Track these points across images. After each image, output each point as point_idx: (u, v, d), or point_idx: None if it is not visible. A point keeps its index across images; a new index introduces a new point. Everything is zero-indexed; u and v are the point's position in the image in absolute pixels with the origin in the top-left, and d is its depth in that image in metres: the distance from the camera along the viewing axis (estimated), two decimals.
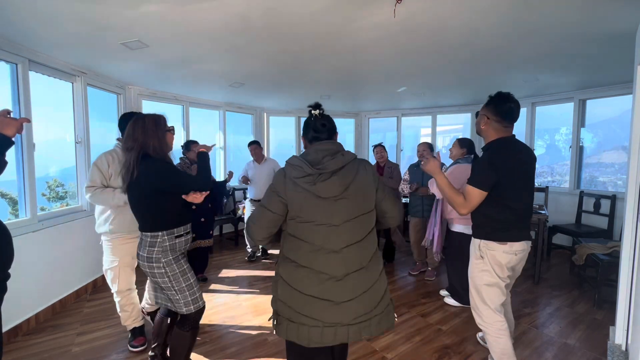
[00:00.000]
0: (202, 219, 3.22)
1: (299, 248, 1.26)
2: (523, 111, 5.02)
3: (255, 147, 4.16)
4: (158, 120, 1.73)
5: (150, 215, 1.71)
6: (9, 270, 1.46)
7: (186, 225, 1.80)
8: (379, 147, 3.90)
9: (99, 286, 3.36)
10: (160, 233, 1.69)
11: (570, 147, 4.49)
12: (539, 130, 5.00)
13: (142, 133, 1.67)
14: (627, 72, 3.22)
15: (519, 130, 5.18)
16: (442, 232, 3.05)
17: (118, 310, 2.30)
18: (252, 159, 4.22)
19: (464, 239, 2.30)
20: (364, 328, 1.25)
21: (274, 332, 1.32)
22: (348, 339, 1.24)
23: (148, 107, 4.24)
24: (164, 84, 4.01)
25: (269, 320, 1.39)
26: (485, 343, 2.13)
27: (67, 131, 3.20)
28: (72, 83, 3.16)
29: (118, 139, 2.24)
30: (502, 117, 1.76)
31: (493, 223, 1.75)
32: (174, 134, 1.84)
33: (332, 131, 1.38)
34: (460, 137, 3.01)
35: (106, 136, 3.85)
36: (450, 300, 2.98)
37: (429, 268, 3.64)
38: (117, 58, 2.92)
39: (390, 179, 3.69)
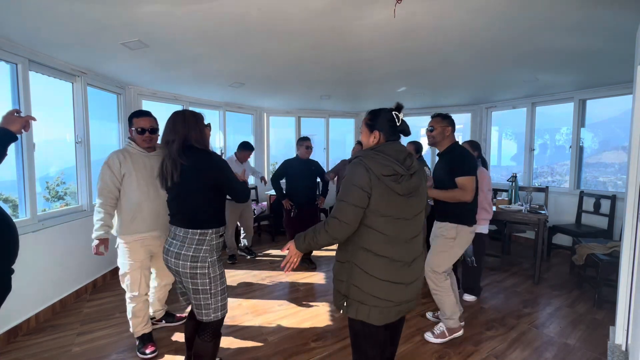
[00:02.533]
0: None
1: (376, 239, 1.37)
2: (523, 111, 5.02)
3: (250, 152, 4.20)
4: (197, 114, 1.73)
5: (203, 211, 1.65)
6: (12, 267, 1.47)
7: (225, 225, 1.77)
8: (357, 144, 4.07)
9: (99, 286, 3.36)
10: (210, 230, 1.65)
11: (570, 147, 4.49)
12: (539, 130, 5.00)
13: (183, 125, 1.64)
14: (627, 72, 3.21)
15: (519, 130, 5.18)
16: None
17: (129, 316, 2.21)
18: (234, 158, 4.16)
19: (479, 239, 2.90)
20: (413, 304, 1.51)
21: (341, 312, 1.45)
22: (405, 313, 1.48)
23: (148, 107, 4.24)
24: (164, 84, 4.01)
25: (341, 303, 1.45)
26: (434, 318, 2.72)
27: (67, 131, 3.20)
28: (72, 83, 3.16)
29: (129, 138, 2.16)
30: (454, 125, 2.38)
31: (466, 212, 2.30)
32: (210, 130, 1.83)
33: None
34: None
35: (106, 136, 3.86)
36: (468, 297, 3.08)
37: None
38: (117, 58, 2.92)
39: None
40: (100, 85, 3.49)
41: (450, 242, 2.32)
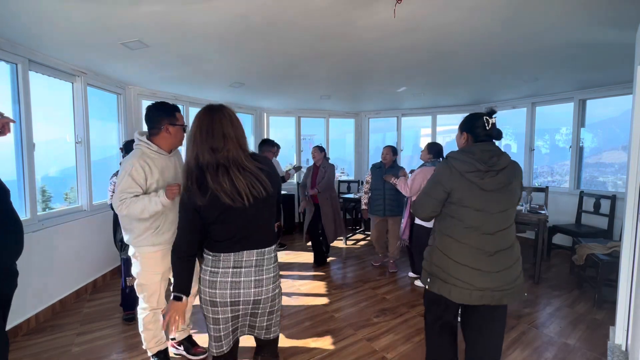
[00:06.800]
0: None
1: (458, 227, 1.55)
2: (523, 111, 5.02)
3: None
4: (233, 114, 1.39)
5: (274, 223, 1.45)
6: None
7: None
8: (315, 148, 4.00)
9: (99, 286, 3.36)
10: (279, 241, 1.57)
11: (570, 147, 4.49)
12: (539, 130, 5.00)
13: (233, 128, 1.31)
14: (627, 72, 3.22)
15: (519, 130, 5.18)
16: (408, 224, 3.47)
17: (140, 329, 2.00)
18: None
19: (426, 231, 2.91)
20: (505, 295, 1.54)
21: (427, 287, 1.66)
22: (492, 302, 1.55)
23: None
24: (164, 84, 4.01)
25: (426, 279, 1.66)
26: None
27: (67, 131, 3.20)
28: (72, 83, 3.16)
29: (147, 138, 1.83)
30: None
31: None
32: None
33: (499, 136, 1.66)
34: (431, 142, 3.39)
35: (106, 136, 3.86)
36: (419, 282, 3.35)
37: (391, 261, 3.86)
38: (117, 58, 2.92)
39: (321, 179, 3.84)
40: (100, 85, 3.49)
41: None
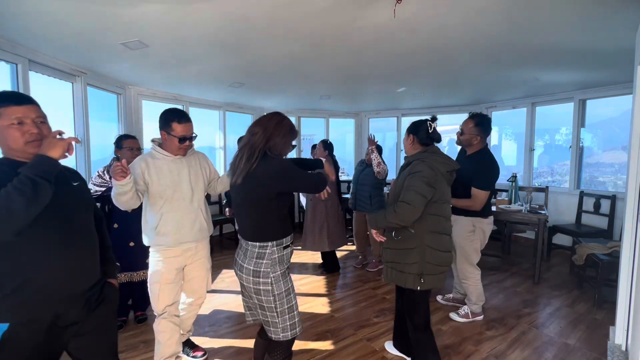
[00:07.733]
0: (131, 244, 2.44)
1: (440, 221, 1.75)
2: (523, 111, 5.02)
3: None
4: (294, 129, 1.59)
5: (264, 223, 1.50)
6: None
7: (291, 235, 1.60)
8: (319, 144, 3.89)
9: None
10: (270, 243, 1.49)
11: (570, 147, 4.49)
12: (539, 130, 5.00)
13: (275, 126, 1.51)
14: (627, 72, 3.22)
15: (519, 130, 5.18)
16: None
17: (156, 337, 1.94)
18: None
19: None
20: None
21: (418, 288, 1.76)
22: None
23: (148, 107, 4.24)
24: (164, 84, 4.01)
25: (418, 281, 1.76)
26: (444, 301, 2.98)
27: (67, 131, 3.20)
28: (72, 83, 3.16)
29: (153, 140, 1.91)
30: (488, 133, 2.55)
31: (484, 206, 2.47)
32: (291, 150, 1.63)
33: None
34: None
35: (106, 136, 3.85)
36: None
37: (373, 260, 3.86)
38: (117, 58, 2.92)
39: None
40: (100, 85, 3.49)
41: (470, 235, 2.53)
